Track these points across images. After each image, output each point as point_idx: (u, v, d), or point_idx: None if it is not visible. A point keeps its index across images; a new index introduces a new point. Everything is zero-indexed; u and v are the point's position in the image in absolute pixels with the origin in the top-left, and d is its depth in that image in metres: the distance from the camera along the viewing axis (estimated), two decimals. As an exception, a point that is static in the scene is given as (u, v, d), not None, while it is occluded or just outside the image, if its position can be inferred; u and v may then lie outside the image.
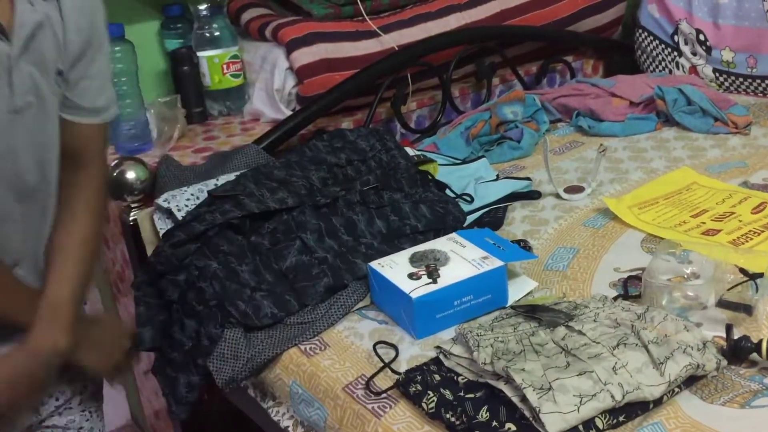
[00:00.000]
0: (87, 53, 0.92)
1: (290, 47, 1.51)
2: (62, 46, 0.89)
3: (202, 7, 1.57)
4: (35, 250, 0.96)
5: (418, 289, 0.96)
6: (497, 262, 1.00)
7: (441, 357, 0.89)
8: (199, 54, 1.59)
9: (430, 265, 1.01)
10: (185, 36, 1.64)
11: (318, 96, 1.50)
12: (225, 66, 1.59)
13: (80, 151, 0.97)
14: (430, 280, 0.98)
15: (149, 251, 1.20)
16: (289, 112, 1.52)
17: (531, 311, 0.92)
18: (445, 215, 1.20)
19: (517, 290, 1.04)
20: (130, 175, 1.23)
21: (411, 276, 0.99)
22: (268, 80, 1.55)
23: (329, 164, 1.26)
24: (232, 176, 1.24)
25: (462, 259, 1.02)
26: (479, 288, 0.99)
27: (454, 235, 1.09)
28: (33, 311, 0.93)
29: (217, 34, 1.58)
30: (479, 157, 1.47)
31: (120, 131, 1.47)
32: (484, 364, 0.82)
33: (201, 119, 1.63)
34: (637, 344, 0.83)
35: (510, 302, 1.01)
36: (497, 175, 1.40)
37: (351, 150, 1.30)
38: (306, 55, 1.51)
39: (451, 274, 0.98)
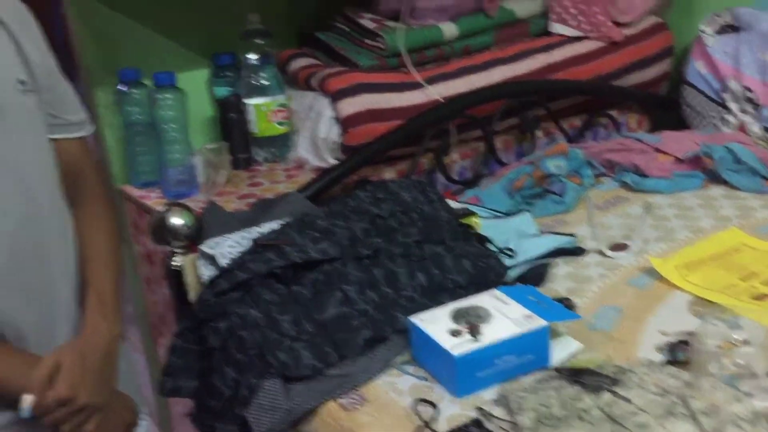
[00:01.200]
0: (47, 61, 0.98)
1: (336, 97, 1.53)
2: (17, 52, 0.92)
3: (252, 56, 1.61)
4: (47, 314, 0.97)
5: (459, 346, 0.95)
6: (540, 322, 0.99)
7: (481, 418, 0.87)
8: (247, 102, 1.62)
9: (472, 322, 1.00)
10: (234, 84, 1.67)
11: (362, 146, 1.51)
12: (272, 114, 1.61)
13: (80, 167, 1.06)
14: (472, 338, 0.97)
15: (192, 296, 1.21)
16: (333, 161, 1.54)
17: (575, 375, 0.90)
18: (487, 270, 1.19)
19: (560, 351, 1.02)
20: (177, 221, 1.25)
21: (452, 333, 0.98)
22: (313, 129, 1.57)
23: (372, 215, 1.26)
24: (274, 224, 1.25)
25: (504, 316, 1.01)
26: (521, 347, 0.97)
27: (496, 291, 1.08)
28: (24, 375, 0.92)
29: (265, 82, 1.61)
30: (522, 211, 1.46)
31: (168, 176, 1.50)
32: (528, 429, 0.80)
33: (246, 165, 1.65)
34: (685, 414, 0.81)
35: (552, 362, 0.99)
36: (540, 230, 1.39)
37: (394, 201, 1.31)
38: (351, 106, 1.52)
39: (493, 332, 0.97)
